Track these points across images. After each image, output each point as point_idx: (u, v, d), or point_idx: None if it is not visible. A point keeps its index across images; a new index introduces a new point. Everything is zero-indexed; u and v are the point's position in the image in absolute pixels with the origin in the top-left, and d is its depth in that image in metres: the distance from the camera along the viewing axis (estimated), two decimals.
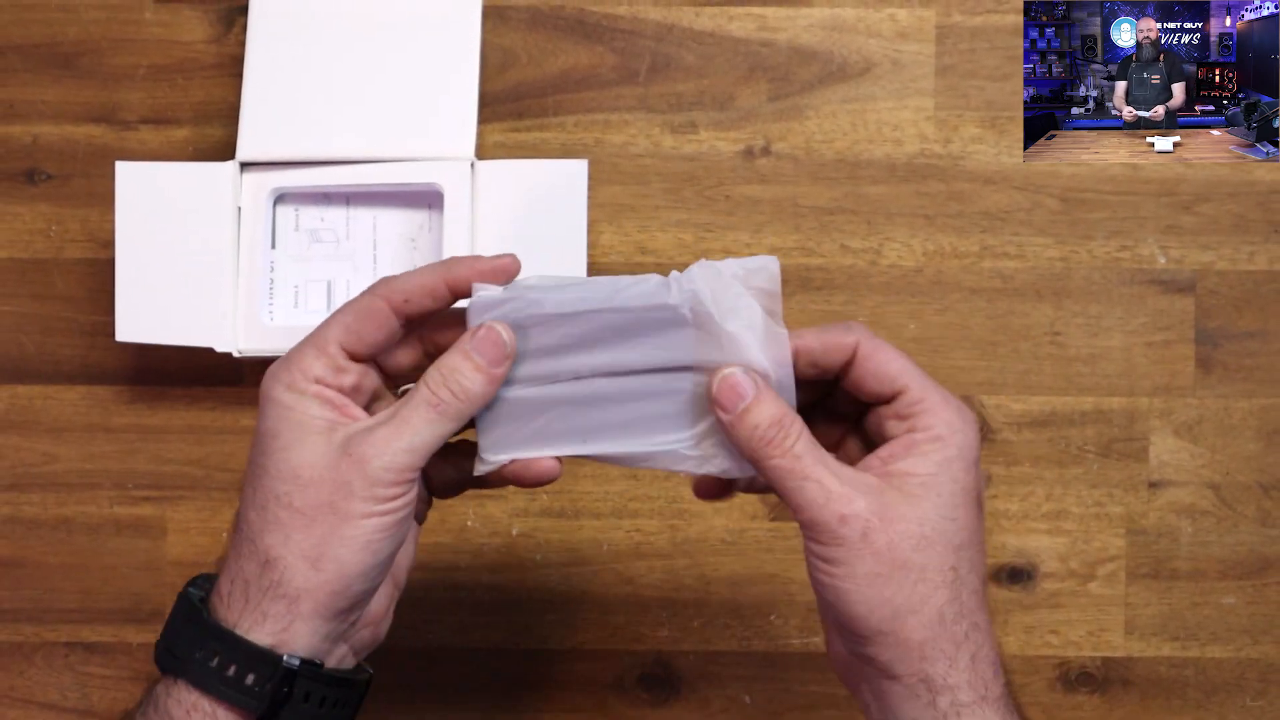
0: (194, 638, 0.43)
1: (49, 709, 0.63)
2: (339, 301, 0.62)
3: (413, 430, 0.43)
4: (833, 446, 0.46)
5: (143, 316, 0.60)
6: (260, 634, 0.43)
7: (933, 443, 0.43)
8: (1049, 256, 0.63)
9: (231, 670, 0.43)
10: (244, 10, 0.63)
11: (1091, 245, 0.63)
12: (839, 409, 0.47)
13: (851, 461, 0.44)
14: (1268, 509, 0.62)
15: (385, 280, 0.45)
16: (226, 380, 0.63)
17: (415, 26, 0.61)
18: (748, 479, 0.45)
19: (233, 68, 0.63)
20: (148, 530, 0.63)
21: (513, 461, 0.45)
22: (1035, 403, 0.63)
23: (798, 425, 0.43)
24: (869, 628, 0.42)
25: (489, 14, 0.63)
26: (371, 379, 0.46)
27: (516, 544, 0.63)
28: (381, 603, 0.46)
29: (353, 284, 0.62)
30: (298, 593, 0.43)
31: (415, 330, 0.46)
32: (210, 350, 0.60)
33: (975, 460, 0.43)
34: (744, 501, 0.63)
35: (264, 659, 0.43)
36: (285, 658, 0.43)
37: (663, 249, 0.63)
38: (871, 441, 0.45)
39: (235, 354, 0.60)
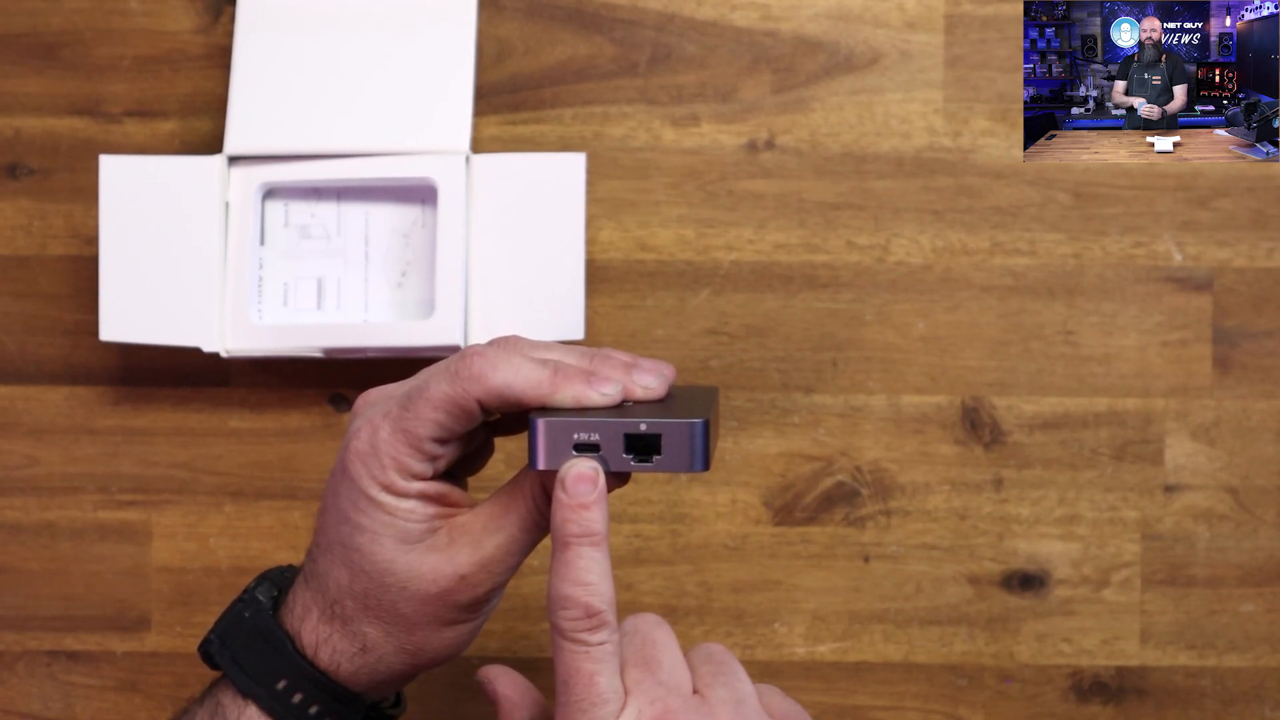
0: (278, 668, 0.46)
1: None
2: (329, 300, 0.61)
3: (519, 551, 0.46)
4: None
5: (127, 315, 0.59)
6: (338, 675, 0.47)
7: None
8: (1061, 253, 0.62)
9: (314, 709, 0.46)
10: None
11: (1105, 242, 0.62)
12: None
13: None
14: None
15: (481, 374, 0.43)
16: (214, 381, 0.62)
17: (409, 16, 0.60)
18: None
19: (220, 59, 0.62)
20: (133, 535, 0.62)
21: None
22: (1047, 404, 0.61)
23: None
24: None
25: (484, 3, 0.62)
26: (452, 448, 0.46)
27: None
28: None
29: (344, 281, 0.61)
30: (391, 673, 0.47)
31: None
32: (197, 350, 0.59)
33: None
34: (747, 506, 0.61)
35: (351, 701, 0.47)
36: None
37: (663, 245, 0.62)
38: None
39: (223, 354, 0.59)
